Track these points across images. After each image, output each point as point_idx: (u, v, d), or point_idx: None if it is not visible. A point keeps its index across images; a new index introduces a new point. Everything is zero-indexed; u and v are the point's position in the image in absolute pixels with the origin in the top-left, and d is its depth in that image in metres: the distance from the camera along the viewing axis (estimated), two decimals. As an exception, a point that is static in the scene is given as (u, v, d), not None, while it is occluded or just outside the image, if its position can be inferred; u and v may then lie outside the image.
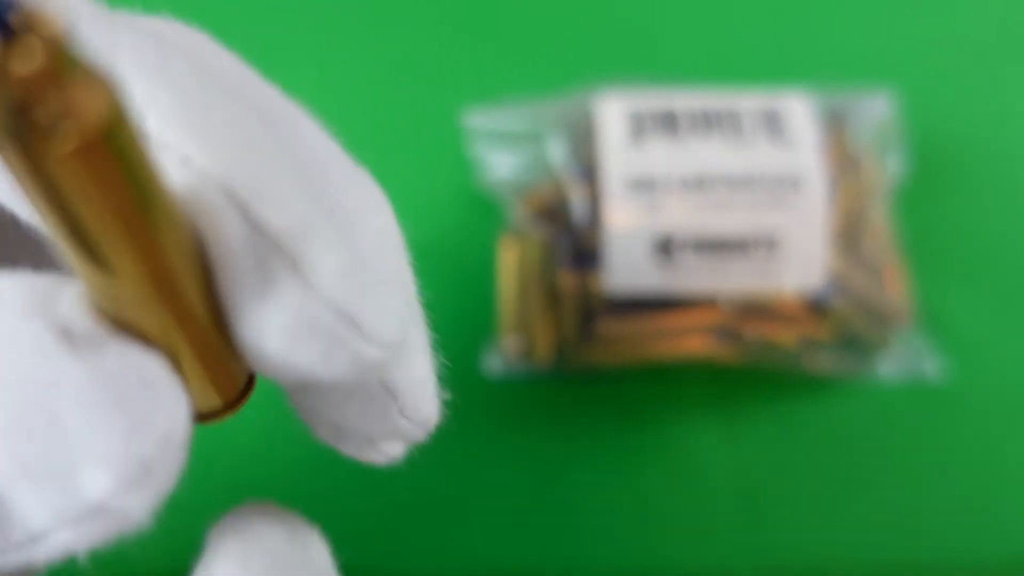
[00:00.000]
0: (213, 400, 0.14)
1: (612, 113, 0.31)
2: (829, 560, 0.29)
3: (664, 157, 0.30)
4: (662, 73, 0.35)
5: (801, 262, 0.29)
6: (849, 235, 0.31)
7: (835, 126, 0.32)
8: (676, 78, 0.34)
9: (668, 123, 0.30)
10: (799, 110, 0.30)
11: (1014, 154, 0.35)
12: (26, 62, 0.07)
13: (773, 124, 0.30)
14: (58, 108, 0.07)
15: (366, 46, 0.37)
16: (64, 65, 0.07)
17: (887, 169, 0.33)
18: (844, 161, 0.31)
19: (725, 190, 0.29)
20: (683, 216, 0.29)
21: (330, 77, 0.36)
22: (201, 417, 0.14)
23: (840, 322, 0.30)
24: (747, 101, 0.31)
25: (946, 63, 0.37)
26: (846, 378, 0.31)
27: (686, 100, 0.31)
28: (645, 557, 0.29)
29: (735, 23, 0.38)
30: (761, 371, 0.31)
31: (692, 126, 0.30)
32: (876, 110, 0.33)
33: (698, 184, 0.29)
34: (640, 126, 0.30)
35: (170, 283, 0.10)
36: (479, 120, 0.33)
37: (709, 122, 0.30)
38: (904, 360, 0.31)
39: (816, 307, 0.30)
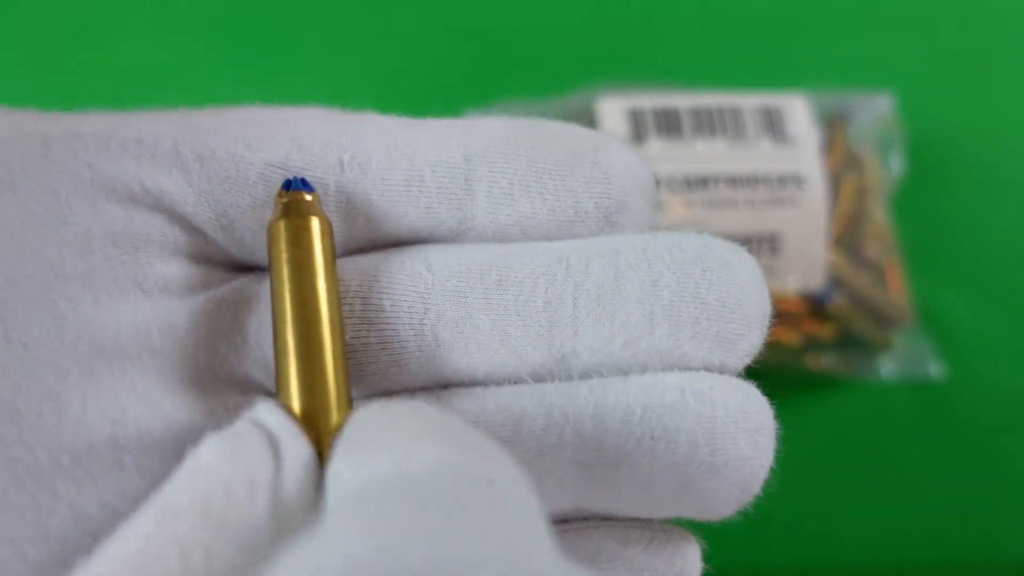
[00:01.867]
0: None
1: (613, 112, 0.31)
2: (829, 560, 0.29)
3: (665, 156, 0.30)
4: (663, 77, 0.35)
5: (802, 261, 0.29)
6: (850, 234, 0.31)
7: (836, 126, 0.32)
8: (677, 82, 0.34)
9: (669, 122, 0.30)
10: (800, 110, 0.30)
11: (1010, 155, 0.36)
12: (299, 196, 0.16)
13: (774, 123, 0.30)
14: (300, 213, 0.16)
15: (366, 47, 0.37)
16: (311, 203, 0.16)
17: (888, 168, 0.33)
18: (845, 160, 0.31)
19: (726, 189, 0.29)
20: (684, 215, 0.29)
21: (330, 79, 0.36)
22: None
23: (841, 321, 0.30)
24: (748, 100, 0.31)
25: (942, 67, 0.37)
26: (847, 377, 0.31)
27: (687, 99, 0.31)
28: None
29: (733, 29, 0.38)
30: (762, 370, 0.31)
31: (693, 125, 0.30)
32: (877, 110, 0.33)
33: (699, 183, 0.29)
34: (641, 125, 0.30)
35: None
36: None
37: (711, 121, 0.30)
38: (905, 360, 0.31)
39: (817, 306, 0.30)
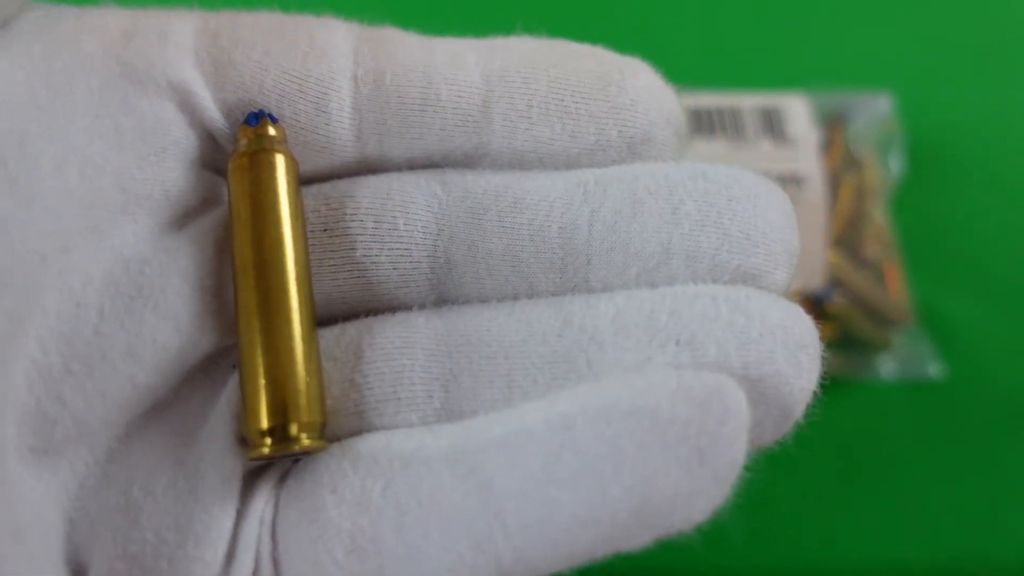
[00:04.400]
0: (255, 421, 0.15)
1: (613, 113, 0.31)
2: (829, 560, 0.29)
3: (665, 157, 0.30)
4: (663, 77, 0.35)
5: (802, 261, 0.29)
6: (850, 235, 0.31)
7: (836, 126, 0.32)
8: (677, 82, 0.34)
9: (669, 123, 0.30)
10: (800, 110, 0.30)
11: (1010, 155, 0.36)
12: (263, 131, 0.15)
13: (774, 124, 0.30)
14: (260, 149, 0.15)
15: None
16: (275, 138, 0.16)
17: (887, 169, 0.33)
18: (845, 161, 0.31)
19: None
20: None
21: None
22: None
23: (841, 321, 0.30)
24: (748, 101, 0.31)
25: (942, 67, 0.37)
26: (847, 377, 0.31)
27: (687, 99, 0.31)
28: (643, 557, 0.29)
29: (733, 29, 0.38)
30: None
31: (693, 126, 0.30)
32: (876, 110, 0.33)
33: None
34: (641, 126, 0.30)
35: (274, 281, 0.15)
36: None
37: (711, 122, 0.30)
38: (905, 360, 0.31)
39: (817, 306, 0.30)
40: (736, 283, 0.15)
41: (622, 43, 0.37)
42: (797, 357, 0.15)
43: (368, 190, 0.16)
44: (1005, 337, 0.32)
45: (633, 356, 0.14)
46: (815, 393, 0.15)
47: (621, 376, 0.14)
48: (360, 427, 0.15)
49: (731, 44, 0.38)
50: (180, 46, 0.16)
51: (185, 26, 0.16)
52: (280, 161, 0.15)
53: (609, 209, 0.15)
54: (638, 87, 0.16)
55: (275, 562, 0.14)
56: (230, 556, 0.14)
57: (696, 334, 0.14)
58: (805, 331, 0.15)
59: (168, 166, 0.16)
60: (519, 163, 0.16)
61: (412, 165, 0.16)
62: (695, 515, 0.14)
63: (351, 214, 0.16)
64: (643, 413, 0.14)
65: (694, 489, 0.14)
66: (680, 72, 0.36)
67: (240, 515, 0.15)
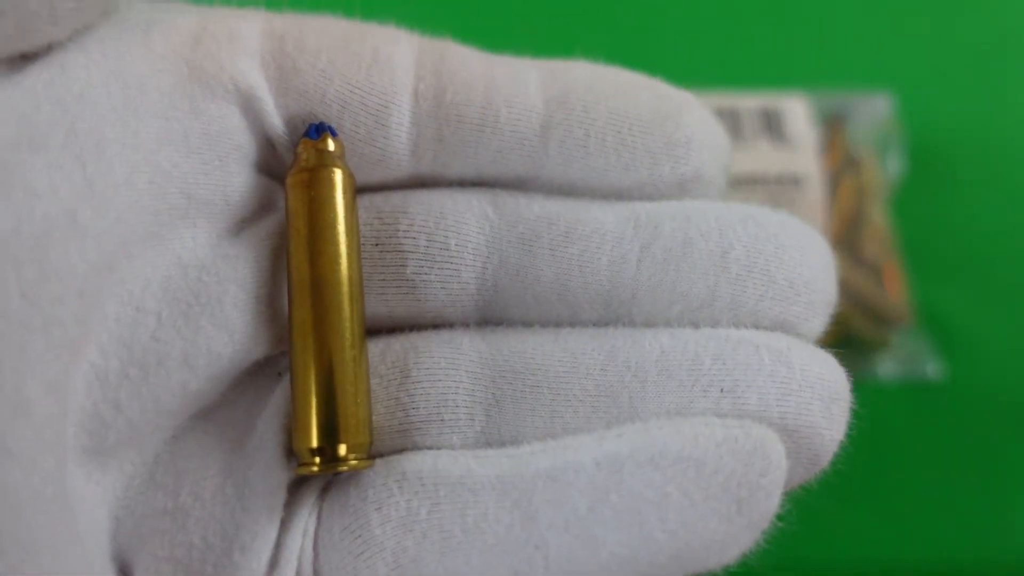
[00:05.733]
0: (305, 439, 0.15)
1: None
2: (829, 560, 0.29)
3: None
4: (662, 77, 0.35)
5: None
6: (849, 235, 0.31)
7: (835, 126, 0.32)
8: (676, 82, 0.34)
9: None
10: (799, 111, 0.31)
11: (1010, 155, 0.36)
12: (323, 145, 0.15)
13: (772, 124, 0.30)
14: (320, 165, 0.15)
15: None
16: (334, 154, 0.15)
17: (886, 169, 0.33)
18: (844, 161, 0.31)
19: (725, 190, 0.29)
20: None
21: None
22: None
23: (840, 322, 0.30)
24: (747, 101, 0.31)
25: (942, 67, 0.37)
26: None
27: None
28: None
29: (733, 29, 0.38)
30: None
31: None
32: (875, 110, 0.33)
33: (698, 184, 0.29)
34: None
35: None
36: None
37: (709, 122, 0.30)
38: (904, 359, 0.31)
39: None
40: (774, 329, 0.16)
41: (622, 43, 0.37)
42: (831, 409, 0.15)
43: (421, 207, 0.16)
44: (1005, 337, 0.32)
45: (675, 399, 0.15)
46: (842, 443, 0.16)
47: (668, 421, 0.15)
48: (403, 445, 0.15)
49: (730, 44, 0.38)
50: (247, 50, 0.15)
51: (252, 28, 0.16)
52: (339, 177, 0.15)
53: (660, 246, 0.15)
54: (694, 124, 0.16)
55: (316, 573, 0.15)
56: (273, 564, 0.15)
57: (739, 383, 0.15)
58: (839, 383, 0.16)
59: (230, 171, 0.16)
60: (569, 190, 0.16)
61: (463, 183, 0.16)
62: (727, 559, 0.15)
63: (404, 230, 0.16)
64: (690, 462, 0.14)
65: (730, 536, 0.14)
66: (679, 72, 0.36)
67: (284, 525, 0.15)
